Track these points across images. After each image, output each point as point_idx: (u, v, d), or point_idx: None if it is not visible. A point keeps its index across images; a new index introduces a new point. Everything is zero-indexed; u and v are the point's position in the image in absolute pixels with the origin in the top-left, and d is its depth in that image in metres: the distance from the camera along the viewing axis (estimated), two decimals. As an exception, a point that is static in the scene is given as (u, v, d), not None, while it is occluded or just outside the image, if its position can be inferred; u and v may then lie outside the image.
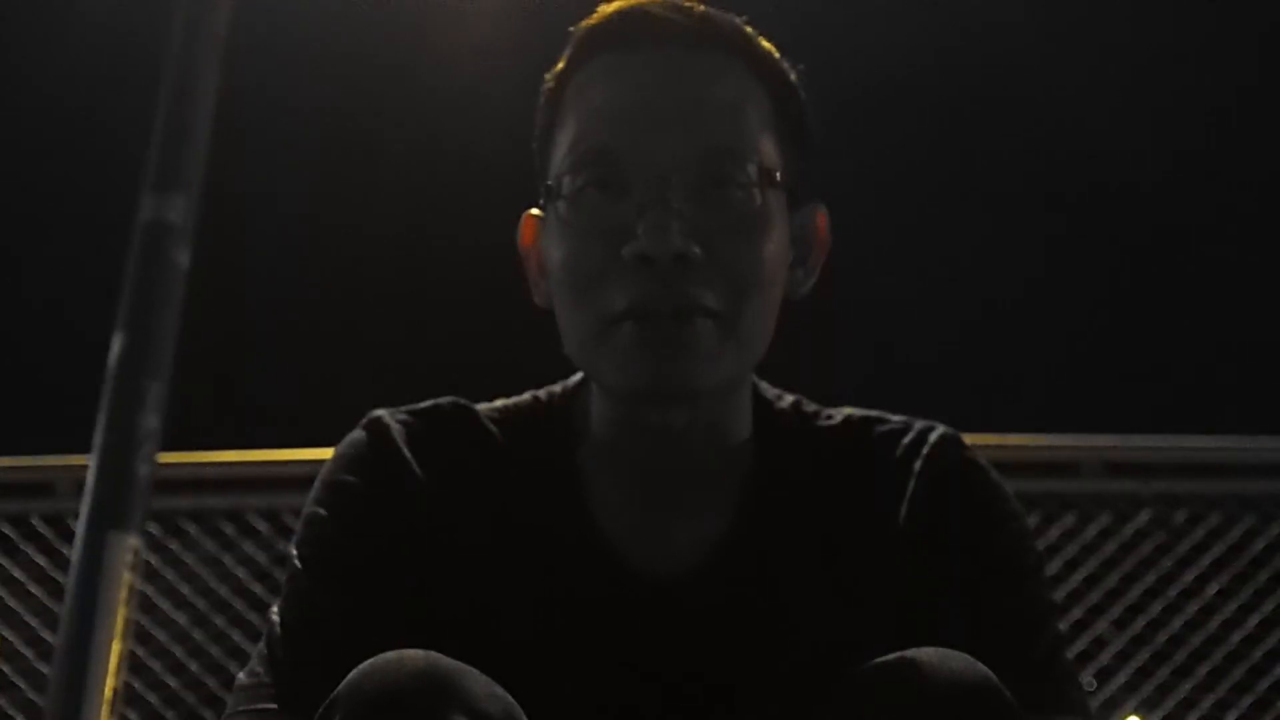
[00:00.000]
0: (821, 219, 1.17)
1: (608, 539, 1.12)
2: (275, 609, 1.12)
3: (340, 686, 0.92)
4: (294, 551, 1.13)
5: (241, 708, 1.06)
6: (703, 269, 1.03)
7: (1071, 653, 2.95)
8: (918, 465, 1.14)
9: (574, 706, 1.08)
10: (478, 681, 0.94)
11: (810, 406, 1.20)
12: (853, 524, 1.13)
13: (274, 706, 1.04)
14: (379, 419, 1.16)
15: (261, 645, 1.10)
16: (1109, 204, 8.69)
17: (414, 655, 0.94)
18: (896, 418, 1.19)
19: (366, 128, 8.12)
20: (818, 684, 1.01)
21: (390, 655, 0.94)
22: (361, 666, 0.93)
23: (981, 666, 0.95)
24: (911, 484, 1.13)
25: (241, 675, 1.09)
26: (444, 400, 1.19)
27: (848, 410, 1.20)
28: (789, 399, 1.20)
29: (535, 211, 1.16)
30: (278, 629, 1.09)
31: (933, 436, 1.16)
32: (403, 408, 1.18)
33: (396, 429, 1.15)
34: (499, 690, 0.94)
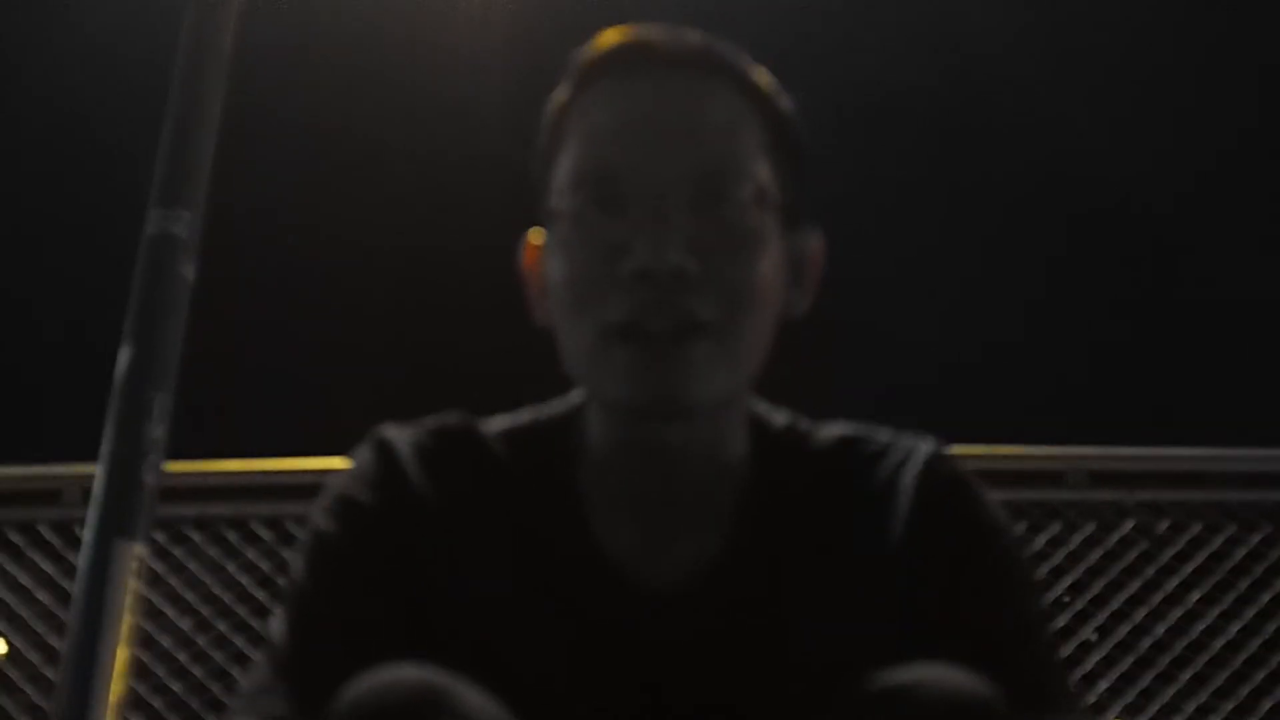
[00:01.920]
0: (816, 243, 1.20)
1: (607, 555, 1.14)
2: (276, 622, 1.14)
3: (336, 701, 0.95)
4: (297, 566, 1.15)
5: (241, 718, 1.08)
6: (699, 284, 1.06)
7: (1061, 657, 2.97)
8: (909, 482, 1.17)
9: (573, 716, 1.10)
10: (473, 696, 0.96)
11: (804, 424, 1.22)
12: (847, 539, 1.15)
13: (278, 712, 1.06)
14: (385, 436, 1.19)
15: (262, 658, 1.12)
16: (1098, 224, 8.72)
17: (410, 670, 0.96)
18: (888, 435, 1.21)
19: (368, 142, 8.14)
20: (815, 698, 1.03)
21: (386, 670, 0.96)
22: (357, 681, 0.95)
23: (979, 682, 0.98)
24: (904, 500, 1.16)
25: (241, 686, 1.12)
26: (449, 416, 1.21)
27: (841, 427, 1.23)
28: (783, 416, 1.22)
29: (536, 233, 1.19)
30: (277, 642, 1.11)
31: (924, 454, 1.19)
32: (408, 425, 1.20)
33: (402, 447, 1.17)
34: (494, 704, 0.97)
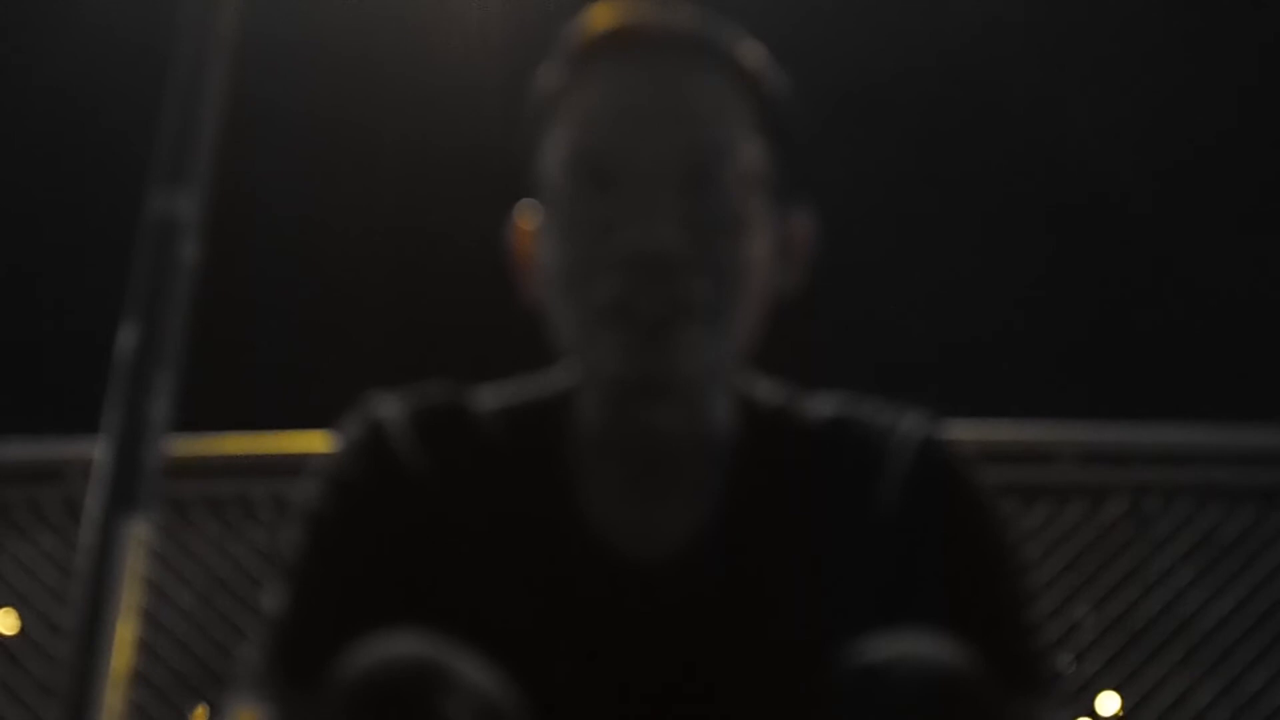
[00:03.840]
0: (807, 222, 1.22)
1: (596, 529, 1.17)
2: (269, 598, 1.16)
3: (337, 667, 0.98)
4: (290, 543, 1.18)
5: (240, 697, 1.12)
6: (689, 266, 1.09)
7: (1048, 635, 3.00)
8: (900, 460, 1.19)
9: (564, 688, 1.13)
10: (472, 661, 0.99)
11: (797, 399, 1.25)
12: (835, 515, 1.18)
13: (270, 694, 1.10)
14: (374, 409, 1.21)
15: (257, 636, 1.15)
16: (1087, 208, 8.72)
17: (409, 635, 0.99)
18: (881, 412, 1.24)
19: (371, 123, 8.14)
20: (799, 671, 1.07)
21: (386, 635, 0.99)
22: (357, 646, 0.98)
23: (957, 648, 1.01)
24: (893, 478, 1.18)
25: (239, 664, 1.16)
26: (437, 385, 1.23)
27: (834, 403, 1.25)
28: (776, 391, 1.25)
29: (527, 212, 1.21)
30: (272, 619, 1.14)
31: (916, 433, 1.21)
32: (396, 394, 1.22)
33: (391, 420, 1.20)
34: (491, 675, 1.00)
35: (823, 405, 1.25)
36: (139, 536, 2.36)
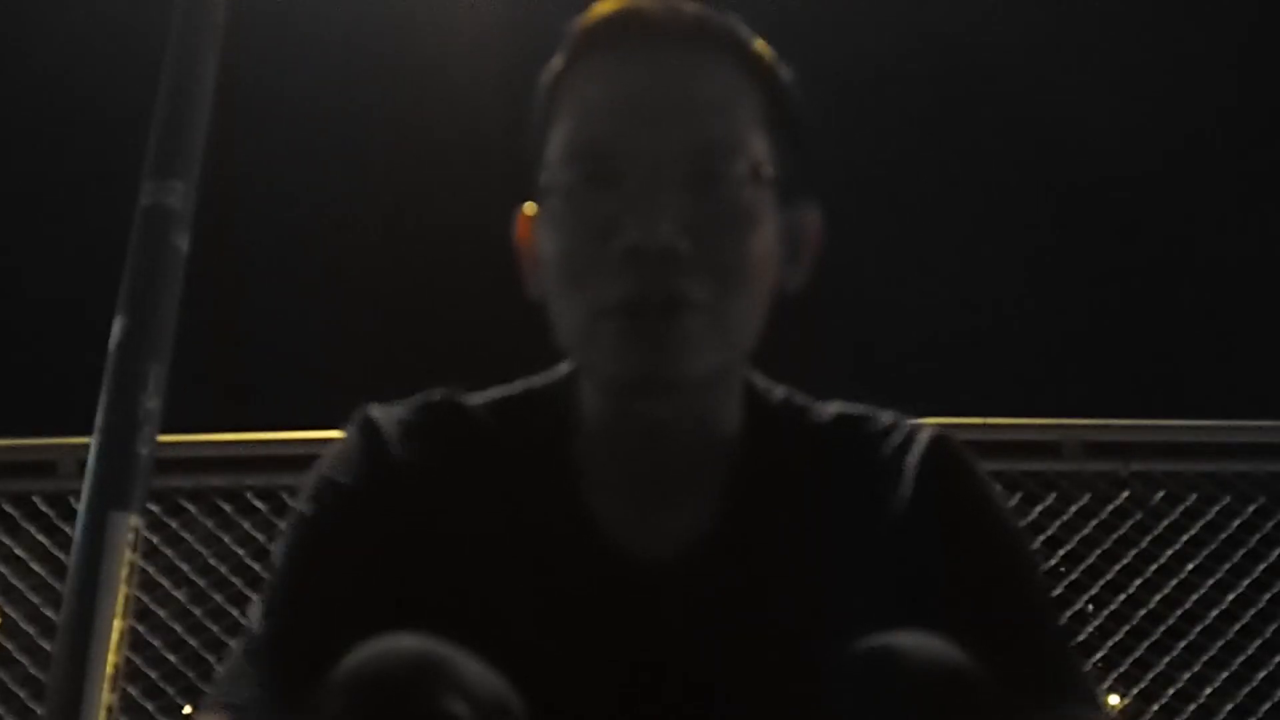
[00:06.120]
0: (813, 216, 1.19)
1: (599, 527, 1.13)
2: (255, 607, 1.13)
3: (335, 671, 0.94)
4: (282, 549, 1.14)
5: (224, 697, 1.07)
6: (691, 262, 1.05)
7: (1065, 623, 3.00)
8: (911, 462, 1.16)
9: (565, 689, 1.10)
10: (471, 664, 0.96)
11: (802, 400, 1.22)
12: (841, 515, 1.15)
13: (259, 692, 1.06)
14: (369, 416, 1.18)
15: (240, 642, 1.11)
16: (1093, 196, 8.74)
17: (408, 639, 0.96)
18: (890, 416, 1.21)
19: (365, 117, 8.14)
20: (799, 667, 1.04)
21: (385, 639, 0.96)
22: (355, 651, 0.95)
23: (957, 650, 0.98)
24: (905, 480, 1.15)
25: (219, 671, 1.12)
26: (436, 393, 1.20)
27: (839, 405, 1.22)
28: (781, 391, 1.22)
29: (530, 206, 1.19)
30: (258, 627, 1.10)
31: (923, 435, 1.18)
32: (395, 404, 1.20)
33: (387, 425, 1.17)
34: (492, 673, 0.97)
35: (831, 408, 1.22)
36: (130, 530, 2.34)
